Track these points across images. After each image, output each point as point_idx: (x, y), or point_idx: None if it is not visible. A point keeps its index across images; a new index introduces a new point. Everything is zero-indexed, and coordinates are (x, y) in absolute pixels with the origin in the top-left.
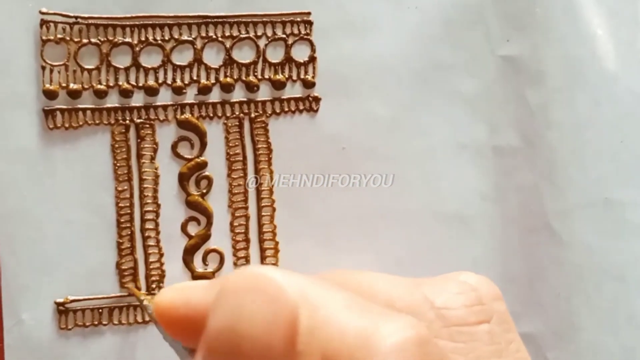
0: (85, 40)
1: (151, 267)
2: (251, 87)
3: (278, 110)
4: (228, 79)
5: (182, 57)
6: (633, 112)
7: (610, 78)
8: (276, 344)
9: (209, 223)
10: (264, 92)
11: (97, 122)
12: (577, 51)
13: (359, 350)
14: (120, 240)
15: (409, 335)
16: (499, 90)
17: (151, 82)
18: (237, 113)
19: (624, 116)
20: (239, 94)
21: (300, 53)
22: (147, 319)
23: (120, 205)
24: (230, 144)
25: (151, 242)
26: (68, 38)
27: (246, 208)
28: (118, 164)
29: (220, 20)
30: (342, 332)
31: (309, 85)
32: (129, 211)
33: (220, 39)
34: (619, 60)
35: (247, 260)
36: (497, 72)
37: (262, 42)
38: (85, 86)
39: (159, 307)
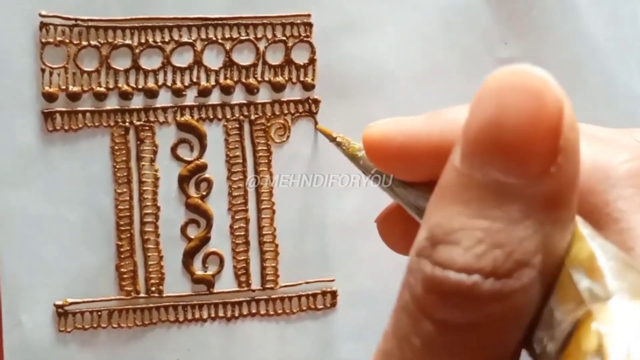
0: (84, 43)
1: (151, 269)
2: (251, 90)
3: (278, 113)
4: (228, 81)
5: (182, 59)
6: (632, 114)
7: (609, 80)
8: (540, 139)
9: (209, 225)
10: (264, 95)
11: (97, 124)
12: (576, 53)
13: (596, 172)
14: (120, 243)
15: None
16: None
17: (151, 84)
18: (237, 115)
19: (623, 118)
20: (238, 96)
21: (300, 55)
22: (146, 321)
23: (119, 207)
24: (230, 146)
25: (151, 245)
26: (68, 40)
27: (246, 210)
28: (117, 166)
29: (220, 22)
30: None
31: (308, 87)
32: (128, 213)
33: (220, 41)
34: (618, 62)
35: (246, 262)
36: None
37: (262, 44)
38: (85, 88)
39: (370, 137)
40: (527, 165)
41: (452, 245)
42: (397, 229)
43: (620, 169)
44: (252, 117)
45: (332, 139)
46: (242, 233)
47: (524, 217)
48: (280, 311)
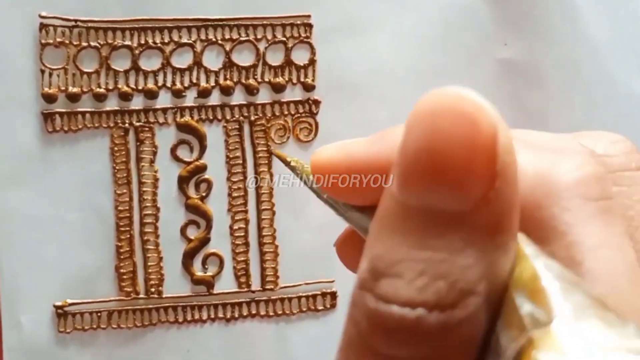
0: (84, 44)
1: (150, 270)
2: (251, 90)
3: (278, 113)
4: (228, 82)
5: (182, 60)
6: (631, 115)
7: (609, 80)
8: (476, 164)
9: (209, 226)
10: (264, 95)
11: (97, 125)
12: (575, 53)
13: (540, 185)
14: (120, 244)
15: (588, 171)
16: (497, 93)
17: (151, 85)
18: (236, 116)
19: (622, 118)
20: (238, 97)
21: (300, 56)
22: (146, 322)
23: (119, 208)
24: (230, 147)
25: (150, 246)
26: (67, 41)
27: (246, 211)
28: (117, 167)
29: (220, 23)
30: (521, 168)
31: (309, 88)
32: (128, 214)
33: (220, 41)
34: (618, 62)
35: (246, 263)
36: (495, 75)
37: (262, 45)
38: (85, 89)
39: (317, 163)
40: (464, 192)
41: (394, 278)
42: (357, 252)
43: (565, 179)
44: (252, 118)
45: (287, 163)
46: (242, 234)
47: (466, 245)
48: (280, 312)
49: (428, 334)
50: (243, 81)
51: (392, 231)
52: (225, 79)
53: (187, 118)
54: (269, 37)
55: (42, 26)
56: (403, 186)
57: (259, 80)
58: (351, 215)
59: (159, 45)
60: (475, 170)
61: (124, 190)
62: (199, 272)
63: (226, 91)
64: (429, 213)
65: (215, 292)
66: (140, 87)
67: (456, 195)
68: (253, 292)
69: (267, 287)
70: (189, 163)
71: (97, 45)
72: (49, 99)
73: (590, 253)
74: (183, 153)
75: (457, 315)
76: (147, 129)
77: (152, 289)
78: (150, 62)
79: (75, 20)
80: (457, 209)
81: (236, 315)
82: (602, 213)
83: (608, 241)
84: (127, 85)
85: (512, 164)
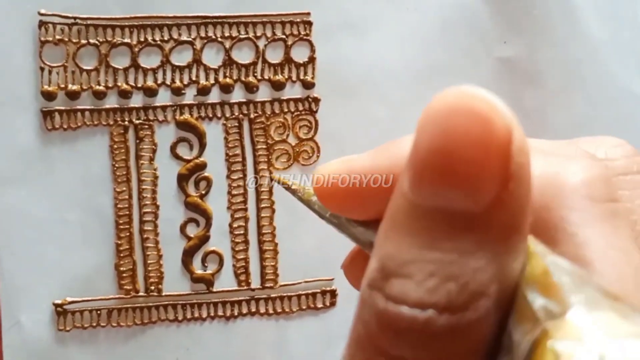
0: (84, 41)
1: (150, 268)
2: (250, 88)
3: (277, 111)
4: (227, 80)
5: (181, 57)
6: (631, 114)
7: (608, 79)
8: (490, 165)
9: (208, 224)
10: (264, 93)
11: (96, 123)
12: (575, 52)
13: (547, 187)
14: (119, 242)
15: (595, 173)
16: (496, 91)
17: (150, 82)
18: (236, 114)
19: (621, 118)
20: (238, 95)
21: (299, 53)
22: (145, 320)
23: (119, 206)
24: (230, 145)
25: (150, 244)
26: (67, 39)
27: (245, 209)
28: (117, 165)
29: (219, 20)
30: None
31: (308, 85)
32: (127, 212)
33: (219, 39)
34: (617, 61)
35: (246, 261)
36: (494, 74)
37: (261, 43)
38: (84, 87)
39: (320, 179)
40: (477, 193)
41: (404, 278)
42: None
43: (572, 180)
44: (252, 116)
45: (288, 188)
46: (242, 232)
47: (478, 247)
48: (279, 310)
49: (438, 335)
50: (243, 79)
51: (403, 231)
52: (225, 77)
53: (186, 116)
54: (269, 34)
55: (42, 24)
56: (415, 186)
57: (259, 77)
58: (355, 230)
59: (159, 42)
60: (489, 171)
61: (124, 188)
62: (198, 270)
63: (226, 89)
64: (440, 213)
65: (214, 290)
66: (139, 85)
67: (469, 196)
68: (253, 290)
69: (267, 285)
70: (188, 161)
71: (97, 42)
72: (49, 96)
73: (599, 254)
74: (182, 151)
75: (467, 317)
76: (146, 126)
77: (152, 287)
78: (150, 60)
79: (75, 18)
80: (469, 210)
81: (236, 314)
82: (609, 215)
83: (616, 243)
84: (127, 83)
85: (526, 165)
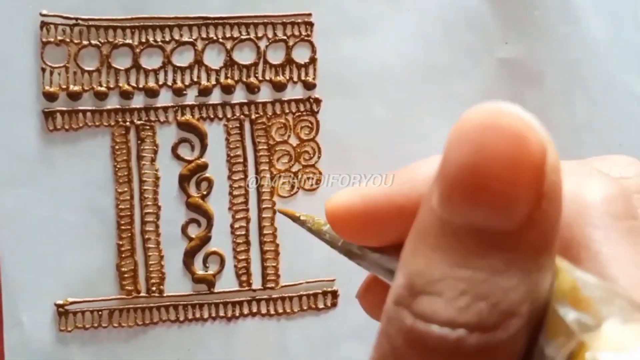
0: (85, 42)
1: (151, 269)
2: (252, 89)
3: (279, 112)
4: (229, 81)
5: (183, 58)
6: (632, 114)
7: (609, 80)
8: (524, 184)
9: (210, 225)
10: (265, 94)
11: (97, 123)
12: (576, 53)
13: (569, 204)
14: (121, 242)
15: (614, 190)
16: (497, 92)
17: (151, 83)
18: (237, 114)
19: (622, 118)
20: (239, 96)
21: (301, 54)
22: (147, 321)
23: (120, 207)
24: (231, 146)
25: (151, 244)
26: (68, 40)
27: (247, 210)
28: (118, 166)
29: (220, 21)
30: None
31: (309, 86)
32: (129, 213)
33: (220, 40)
34: (618, 62)
35: (247, 262)
36: (495, 74)
37: (262, 44)
38: (86, 88)
39: (333, 209)
40: (510, 211)
41: (433, 296)
42: (380, 300)
43: (592, 198)
44: (253, 117)
45: (296, 219)
46: (243, 232)
47: (509, 266)
48: (281, 311)
49: (467, 354)
50: (244, 79)
51: (432, 247)
52: (226, 78)
53: (188, 116)
54: (270, 35)
55: (43, 24)
56: (445, 202)
57: (260, 78)
58: (369, 257)
59: (160, 43)
60: (523, 190)
61: (125, 189)
62: (199, 271)
63: (227, 90)
64: (471, 231)
65: (216, 290)
66: (141, 86)
67: (501, 214)
68: (254, 290)
69: (268, 285)
70: (189, 161)
71: (98, 43)
72: (50, 97)
73: (624, 271)
74: (184, 151)
75: (498, 337)
76: (148, 127)
77: (153, 288)
78: (151, 61)
79: (76, 19)
80: (501, 229)
81: (237, 314)
82: (629, 232)
83: (637, 260)
84: (128, 84)
85: (558, 184)
